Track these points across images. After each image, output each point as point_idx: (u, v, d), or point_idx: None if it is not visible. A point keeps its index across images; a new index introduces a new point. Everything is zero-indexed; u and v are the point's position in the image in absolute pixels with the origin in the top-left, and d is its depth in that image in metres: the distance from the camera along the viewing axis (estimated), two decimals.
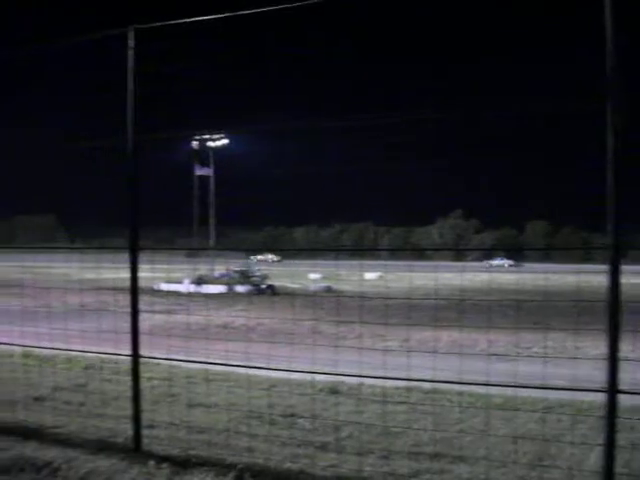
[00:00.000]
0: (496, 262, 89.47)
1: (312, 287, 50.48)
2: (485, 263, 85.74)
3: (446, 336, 19.53)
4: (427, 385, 10.56)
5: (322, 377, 10.42)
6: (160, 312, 18.97)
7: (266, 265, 62.68)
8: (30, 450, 6.84)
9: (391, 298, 8.64)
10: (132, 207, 6.92)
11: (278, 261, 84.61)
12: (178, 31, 6.71)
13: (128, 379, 9.19)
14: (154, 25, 6.64)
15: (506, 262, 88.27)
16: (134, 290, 6.95)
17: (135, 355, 6.99)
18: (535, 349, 17.01)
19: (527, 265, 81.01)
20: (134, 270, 6.93)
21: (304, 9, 6.05)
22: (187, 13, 6.64)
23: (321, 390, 10.75)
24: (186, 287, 49.80)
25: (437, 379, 7.14)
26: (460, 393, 10.01)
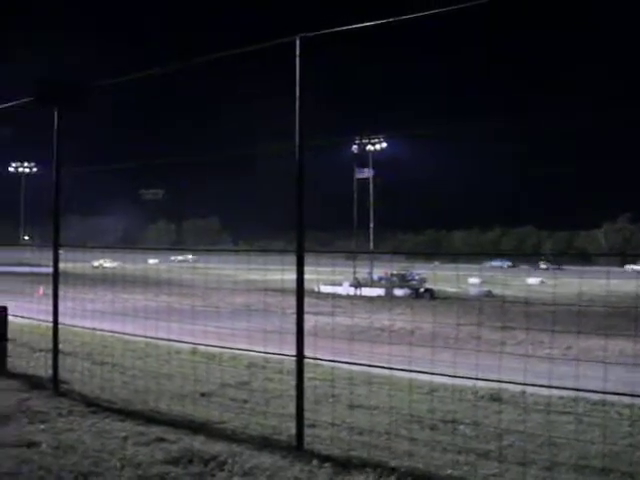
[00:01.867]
0: None
1: (472, 291, 49.73)
2: None
3: (613, 345, 18.68)
4: (594, 396, 10.10)
5: (483, 383, 10.18)
6: (321, 314, 19.19)
7: (425, 269, 62.23)
8: (198, 443, 7.08)
9: (554, 304, 8.32)
10: (298, 211, 7.01)
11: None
12: (344, 37, 6.75)
13: (290, 378, 9.39)
14: (320, 33, 6.71)
15: None
16: (300, 292, 7.04)
17: (300, 356, 7.09)
18: None
19: None
20: (300, 273, 7.02)
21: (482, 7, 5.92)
22: (352, 20, 6.67)
23: (482, 397, 10.52)
24: (345, 289, 50.37)
25: (605, 390, 6.80)
26: (629, 406, 9.51)
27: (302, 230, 6.96)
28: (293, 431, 7.18)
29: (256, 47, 7.40)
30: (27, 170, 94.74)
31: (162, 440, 7.18)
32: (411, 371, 8.60)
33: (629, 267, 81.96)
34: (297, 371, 7.07)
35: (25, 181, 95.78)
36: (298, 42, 6.83)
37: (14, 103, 10.19)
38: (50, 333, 12.59)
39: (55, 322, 9.60)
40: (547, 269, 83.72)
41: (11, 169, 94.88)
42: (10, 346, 11.61)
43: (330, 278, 46.83)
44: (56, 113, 9.21)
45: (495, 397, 10.47)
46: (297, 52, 6.83)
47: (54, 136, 9.32)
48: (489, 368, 8.43)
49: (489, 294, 47.90)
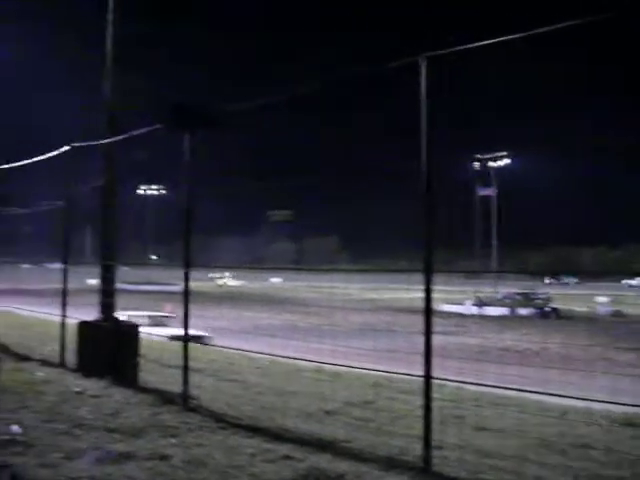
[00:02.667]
0: None
1: (600, 310, 48.08)
2: None
3: None
4: None
5: (616, 407, 9.79)
6: (443, 333, 18.98)
7: (549, 288, 60.57)
8: (325, 462, 7.10)
9: None
10: (426, 229, 6.97)
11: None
12: (470, 55, 6.68)
13: (415, 398, 9.29)
14: (446, 52, 6.68)
15: None
16: (428, 312, 6.98)
17: (427, 376, 7.01)
18: None
19: None
20: (428, 291, 6.96)
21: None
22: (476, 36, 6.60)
23: (615, 421, 10.09)
24: (468, 309, 49.62)
25: None
26: None
27: (430, 249, 6.91)
28: (420, 452, 7.10)
29: (380, 68, 7.43)
30: (155, 192, 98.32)
31: (289, 458, 7.24)
32: (540, 393, 8.38)
33: None
34: (424, 392, 6.99)
35: (152, 203, 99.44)
36: (424, 62, 6.82)
37: (147, 130, 10.60)
38: (178, 350, 13.01)
39: (185, 340, 9.88)
40: None
41: (140, 191, 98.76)
42: (141, 362, 12.05)
43: (451, 297, 46.30)
44: (187, 137, 9.52)
45: (629, 422, 10.02)
46: (422, 72, 6.81)
47: (185, 159, 9.63)
48: (621, 391, 8.11)
49: (618, 313, 46.17)
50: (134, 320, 18.78)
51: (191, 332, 10.00)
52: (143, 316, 25.36)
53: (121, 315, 12.86)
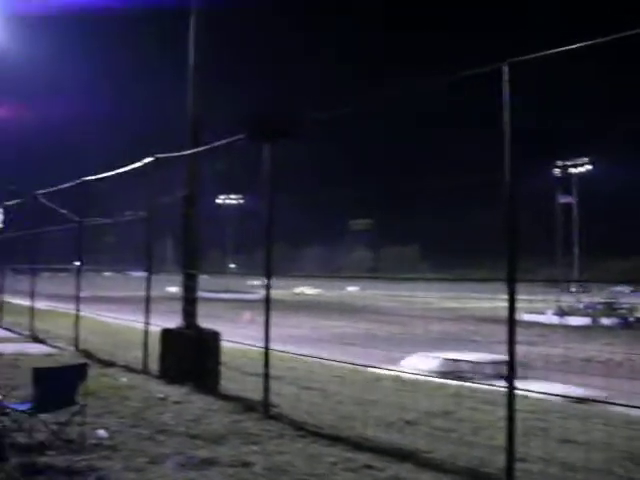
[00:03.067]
0: None
1: None
2: None
3: None
4: None
5: None
6: (524, 343, 18.65)
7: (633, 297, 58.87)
8: (405, 472, 7.06)
9: None
10: (508, 238, 6.87)
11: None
12: (553, 60, 6.57)
13: (496, 409, 9.17)
14: (529, 57, 6.58)
15: None
16: (511, 322, 6.87)
17: (510, 387, 6.90)
18: None
19: None
20: (511, 301, 6.86)
21: None
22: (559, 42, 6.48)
23: None
24: (549, 318, 48.62)
25: None
26: None
27: (513, 258, 6.81)
28: (502, 464, 6.98)
29: (463, 74, 7.37)
30: (234, 202, 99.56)
31: (370, 467, 7.22)
32: (626, 406, 8.14)
33: None
34: (508, 403, 6.87)
35: (231, 212, 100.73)
36: (506, 68, 6.74)
37: (229, 140, 10.75)
38: (258, 357, 13.12)
39: (266, 347, 9.96)
40: None
41: (219, 201, 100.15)
42: (222, 369, 12.22)
43: (532, 306, 45.48)
44: (268, 147, 9.62)
45: None
46: (505, 78, 6.73)
47: (265, 169, 9.73)
48: None
49: None
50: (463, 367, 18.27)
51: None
52: (480, 362, 18.50)
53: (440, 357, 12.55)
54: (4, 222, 27.96)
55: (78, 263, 18.50)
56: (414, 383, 12.93)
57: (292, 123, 9.57)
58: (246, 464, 7.23)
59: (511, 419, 6.85)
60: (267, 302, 9.94)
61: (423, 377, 12.07)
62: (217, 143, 11.32)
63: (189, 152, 12.60)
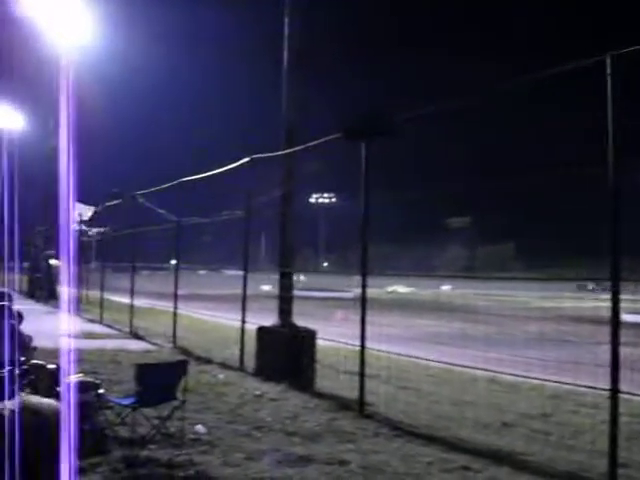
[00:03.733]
0: None
1: None
2: None
3: None
4: None
5: None
6: (627, 344, 18.05)
7: None
8: (503, 474, 6.98)
9: None
10: (612, 236, 6.70)
11: None
12: None
13: (596, 412, 8.95)
14: (633, 49, 6.39)
15: None
16: (615, 322, 6.70)
17: (614, 390, 6.71)
18: None
19: None
20: (615, 301, 6.68)
21: None
22: None
23: None
24: None
25: None
26: None
27: (618, 256, 6.64)
28: (603, 469, 6.81)
29: (565, 68, 7.22)
30: (326, 201, 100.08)
31: (467, 468, 7.16)
32: None
33: None
34: (611, 406, 6.69)
35: (324, 211, 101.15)
36: (609, 61, 6.57)
37: (325, 140, 10.82)
38: (351, 355, 13.15)
39: (362, 346, 9.99)
40: None
41: (312, 200, 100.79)
42: (316, 367, 12.31)
43: (634, 307, 43.97)
44: (364, 146, 9.63)
45: None
46: (608, 71, 6.56)
47: (362, 168, 9.75)
48: None
49: None
50: None
51: None
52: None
53: None
54: (91, 219, 28.88)
55: (174, 262, 18.95)
56: (511, 384, 12.69)
57: (389, 121, 9.55)
58: (342, 462, 7.28)
59: (614, 422, 6.68)
60: (363, 300, 9.97)
61: (520, 378, 11.81)
62: (313, 143, 11.41)
63: (285, 152, 12.74)
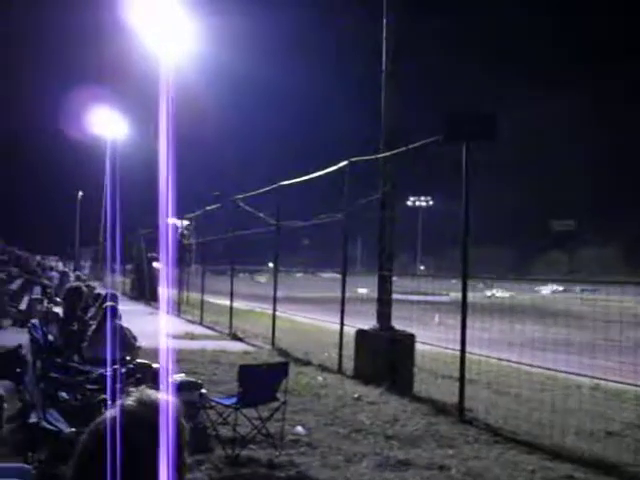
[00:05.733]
0: None
1: None
2: None
3: None
4: None
5: None
6: None
7: None
8: None
9: None
10: None
11: None
12: None
13: None
14: None
15: None
16: None
17: None
18: None
19: None
20: None
21: None
22: None
23: None
24: None
25: None
26: None
27: None
28: None
29: None
30: (423, 204, 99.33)
31: (571, 478, 7.00)
32: None
33: None
34: None
35: (419, 214, 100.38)
36: None
37: (425, 142, 10.76)
38: (449, 360, 13.04)
39: (462, 350, 9.89)
40: None
41: (409, 203, 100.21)
42: (415, 371, 12.25)
43: None
44: (465, 147, 9.52)
45: None
46: None
47: (463, 171, 9.65)
48: None
49: None
50: None
51: None
52: None
53: None
54: (188, 228, 29.50)
55: (272, 265, 19.16)
56: (616, 392, 12.32)
57: (491, 122, 9.42)
58: (442, 467, 7.22)
59: None
60: (464, 304, 9.86)
61: (625, 386, 11.45)
62: (412, 145, 11.35)
63: (383, 155, 12.73)
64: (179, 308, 28.18)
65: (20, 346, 9.37)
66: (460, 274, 10.00)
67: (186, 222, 31.37)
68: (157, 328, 14.51)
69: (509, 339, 14.94)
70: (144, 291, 34.09)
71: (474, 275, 11.02)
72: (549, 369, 12.71)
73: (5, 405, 3.37)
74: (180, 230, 30.68)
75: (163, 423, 1.74)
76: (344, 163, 13.58)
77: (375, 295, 13.49)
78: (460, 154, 9.64)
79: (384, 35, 13.32)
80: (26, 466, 4.90)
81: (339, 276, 14.48)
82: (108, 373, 7.22)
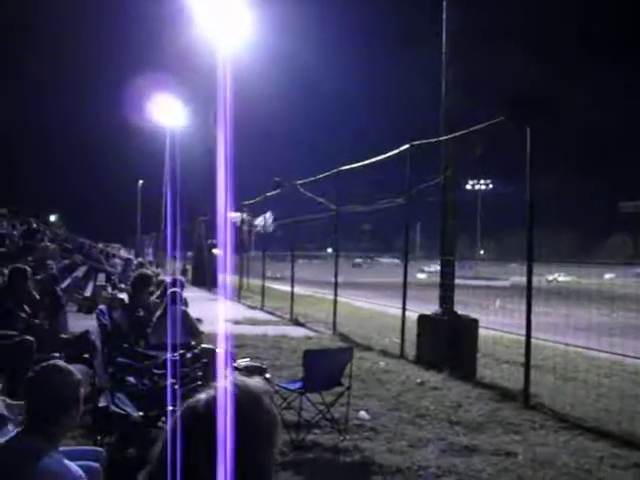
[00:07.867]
0: None
1: None
2: None
3: None
4: None
5: None
6: None
7: None
8: None
9: None
10: None
11: None
12: None
13: None
14: None
15: None
16: None
17: None
18: None
19: None
20: None
21: None
22: None
23: None
24: None
25: None
26: None
27: None
28: None
29: None
30: (483, 187, 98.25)
31: None
32: None
33: None
34: None
35: (479, 197, 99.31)
36: None
37: (486, 124, 10.60)
38: (511, 345, 12.89)
39: (528, 335, 9.76)
40: None
41: (468, 187, 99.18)
42: (477, 356, 12.14)
43: None
44: (528, 130, 9.35)
45: None
46: None
47: (527, 153, 9.49)
48: None
49: None
50: None
51: None
52: None
53: None
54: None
55: (330, 250, 19.16)
56: None
57: (555, 104, 9.24)
58: (509, 454, 7.15)
59: None
60: (529, 289, 9.73)
61: None
62: (473, 128, 11.21)
63: (444, 138, 12.60)
64: (239, 294, 28.44)
65: (88, 332, 9.60)
66: (524, 258, 9.87)
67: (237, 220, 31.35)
68: (218, 313, 14.65)
69: (572, 323, 14.71)
70: (204, 277, 34.43)
71: (539, 260, 10.81)
72: (616, 354, 12.45)
73: (82, 390, 3.45)
74: (240, 217, 30.86)
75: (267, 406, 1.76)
76: (405, 146, 13.48)
77: (433, 281, 13.42)
78: (524, 137, 9.50)
79: (444, 16, 13.16)
80: (99, 449, 5.03)
81: (397, 261, 14.43)
82: (174, 358, 7.29)
